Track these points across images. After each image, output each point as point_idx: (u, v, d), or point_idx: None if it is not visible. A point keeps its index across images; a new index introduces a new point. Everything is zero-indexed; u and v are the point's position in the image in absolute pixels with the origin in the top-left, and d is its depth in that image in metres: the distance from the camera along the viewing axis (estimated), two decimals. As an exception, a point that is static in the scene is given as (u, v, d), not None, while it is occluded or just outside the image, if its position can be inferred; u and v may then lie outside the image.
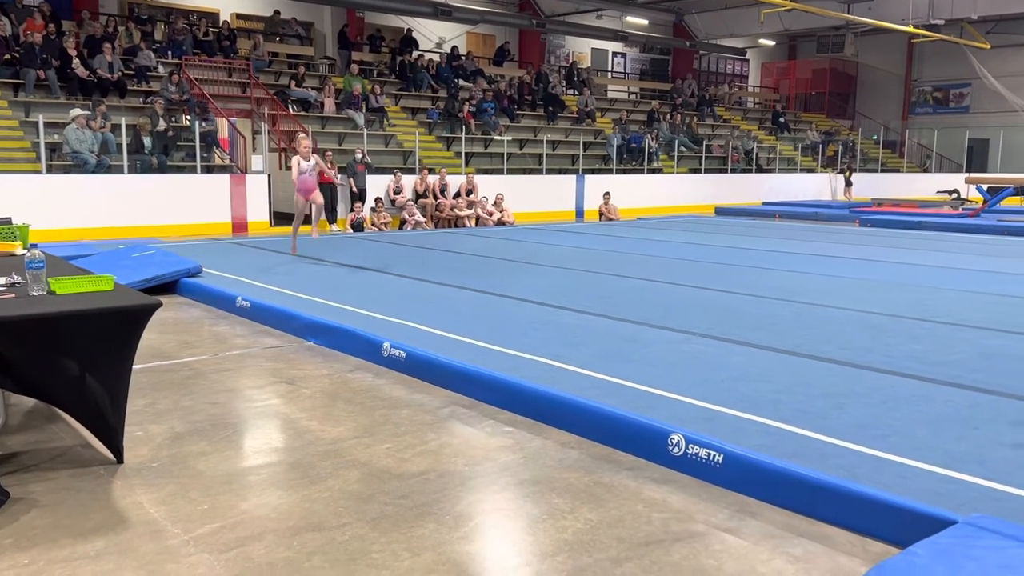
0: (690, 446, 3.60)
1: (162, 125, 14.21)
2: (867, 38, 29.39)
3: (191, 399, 4.66)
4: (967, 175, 21.02)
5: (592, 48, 28.45)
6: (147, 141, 14.06)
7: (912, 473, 3.27)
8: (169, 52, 16.87)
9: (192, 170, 14.32)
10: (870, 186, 25.70)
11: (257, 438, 4.11)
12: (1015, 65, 28.69)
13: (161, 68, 16.23)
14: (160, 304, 3.57)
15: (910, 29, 24.04)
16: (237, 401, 4.68)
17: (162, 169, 13.97)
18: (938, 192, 23.17)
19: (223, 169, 15.08)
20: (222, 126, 16.67)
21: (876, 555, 2.87)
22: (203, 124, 14.66)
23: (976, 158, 28.81)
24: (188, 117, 14.97)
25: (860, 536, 3.02)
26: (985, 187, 19.18)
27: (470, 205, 16.33)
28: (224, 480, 3.51)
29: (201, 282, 8.03)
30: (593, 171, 20.45)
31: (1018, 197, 19.74)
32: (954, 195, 21.16)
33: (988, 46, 27.17)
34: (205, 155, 14.74)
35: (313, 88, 17.94)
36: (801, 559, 2.87)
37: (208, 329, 6.60)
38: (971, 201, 20.76)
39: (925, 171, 29.34)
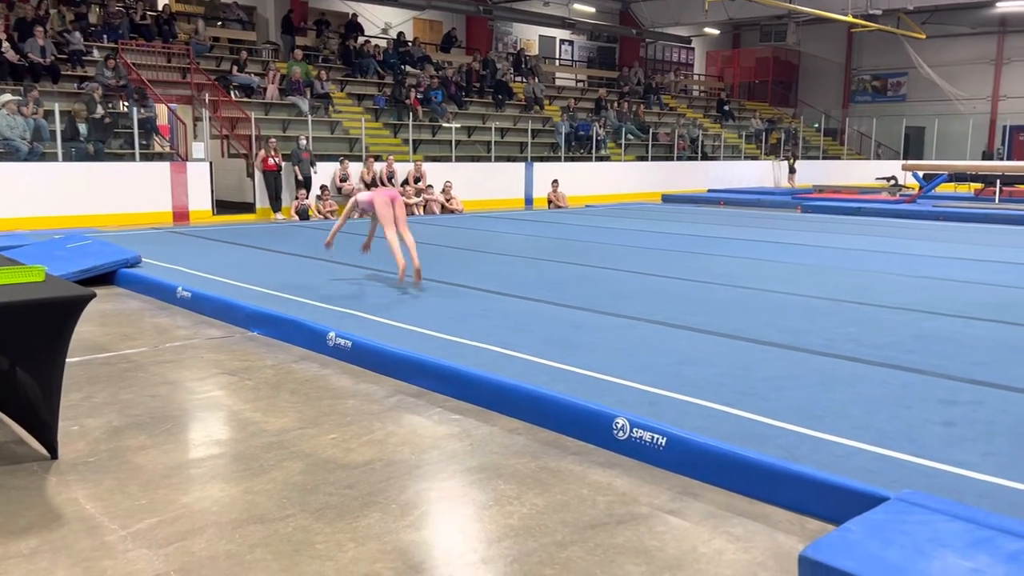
0: (634, 430, 3.64)
1: (100, 112, 13.79)
2: (809, 27, 29.94)
3: (130, 392, 4.55)
4: (904, 162, 21.59)
5: (540, 35, 28.44)
6: (82, 128, 13.62)
7: (848, 452, 3.36)
8: (104, 36, 16.36)
9: (131, 158, 13.94)
10: (812, 173, 26.23)
11: (198, 431, 4.04)
12: (949, 55, 29.53)
13: (96, 52, 15.74)
14: (94, 295, 3.47)
15: (849, 19, 24.56)
16: (178, 393, 4.58)
17: (99, 157, 13.56)
18: (877, 179, 23.77)
19: (163, 157, 14.71)
20: (161, 112, 16.24)
21: (813, 532, 2.94)
22: (141, 110, 14.26)
23: (913, 145, 29.62)
24: (126, 103, 14.55)
25: (798, 515, 3.10)
26: (921, 174, 19.73)
27: (418, 193, 16.22)
28: (164, 474, 3.44)
29: (140, 272, 7.84)
30: (542, 159, 20.48)
31: (952, 183, 20.35)
32: (892, 182, 21.72)
33: (924, 36, 27.89)
34: (144, 142, 14.35)
35: (256, 74, 17.59)
36: (741, 538, 2.93)
37: (148, 320, 6.45)
38: (908, 187, 21.34)
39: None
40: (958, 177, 19.65)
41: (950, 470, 3.20)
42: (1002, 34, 29.11)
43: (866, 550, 2.47)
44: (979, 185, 19.59)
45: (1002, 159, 27.37)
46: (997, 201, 18.02)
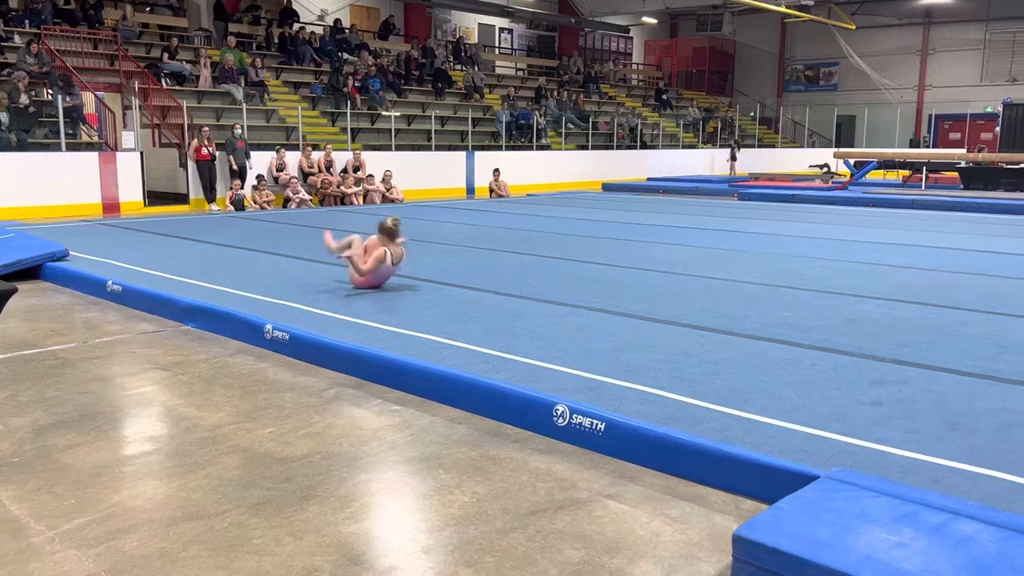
0: (574, 416, 3.67)
1: (24, 100, 13.26)
2: (743, 17, 30.47)
3: (57, 389, 4.41)
4: (836, 150, 22.16)
5: (479, 23, 28.33)
6: (4, 117, 13.09)
7: (780, 433, 3.44)
8: (27, 21, 15.73)
9: (56, 148, 13.46)
10: (748, 161, 26.74)
11: (130, 427, 3.93)
12: (878, 45, 30.39)
13: (18, 39, 15.13)
14: (15, 290, 3.35)
15: (782, 9, 25.07)
16: (108, 390, 4.46)
17: (22, 147, 13.05)
18: (810, 166, 24.35)
19: (91, 147, 14.23)
20: (89, 101, 15.70)
21: (747, 512, 3.01)
22: (67, 99, 13.77)
23: (844, 134, 30.44)
24: (50, 91, 14.03)
25: (733, 495, 3.17)
26: (852, 162, 20.28)
27: (357, 182, 16.03)
28: (93, 473, 3.35)
29: (67, 266, 7.59)
30: (483, 147, 20.42)
31: (881, 171, 20.97)
32: (824, 169, 22.28)
33: (854, 27, 28.64)
34: (70, 132, 13.87)
35: (187, 61, 17.13)
36: (678, 520, 2.99)
37: (76, 315, 6.25)
38: (839, 175, 21.92)
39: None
40: (887, 164, 20.27)
41: (877, 448, 3.30)
42: (927, 25, 30.06)
43: (797, 527, 2.53)
44: (907, 172, 20.23)
45: (928, 147, 28.33)
46: (924, 187, 18.65)
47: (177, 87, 16.25)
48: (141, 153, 14.27)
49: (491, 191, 18.24)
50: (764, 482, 3.10)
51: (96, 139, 14.77)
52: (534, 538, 2.84)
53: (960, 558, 2.34)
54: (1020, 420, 3.62)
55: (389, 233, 6.49)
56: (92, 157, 13.52)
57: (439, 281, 6.97)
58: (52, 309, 6.47)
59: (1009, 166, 17.76)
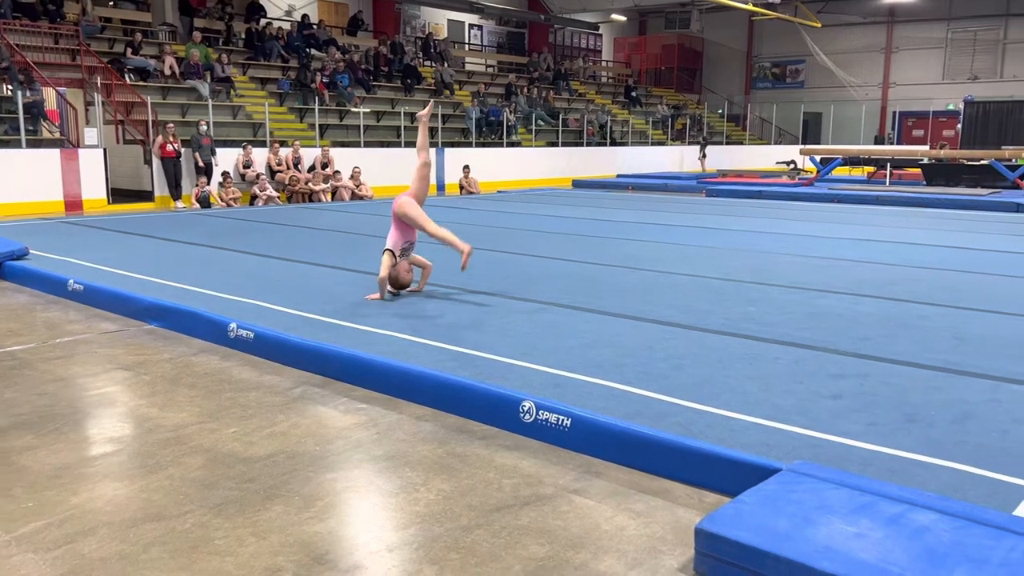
0: (540, 412, 3.68)
1: (-20, 95, 13.01)
2: (711, 15, 30.70)
3: (15, 391, 4.33)
4: (802, 147, 22.43)
5: (448, 20, 28.24)
6: (-38, 113, 12.84)
7: (742, 426, 3.48)
8: (-16, 15, 15.41)
9: (16, 144, 13.20)
10: (716, 158, 26.97)
11: (91, 428, 3.87)
12: (843, 43, 30.78)
13: (-25, 32, 14.81)
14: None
15: (750, 7, 25.29)
16: (69, 390, 4.39)
17: (-19, 143, 12.80)
18: (777, 163, 24.62)
19: (53, 143, 13.98)
20: (50, 96, 15.42)
21: (710, 505, 3.04)
22: (27, 94, 13.51)
23: (810, 130, 30.80)
24: (9, 87, 13.76)
25: (696, 489, 3.20)
26: (818, 158, 20.55)
27: (326, 179, 15.92)
28: (52, 475, 3.29)
29: (27, 265, 7.45)
30: (453, 144, 20.39)
31: (847, 167, 21.26)
32: (791, 166, 22.55)
33: (819, 25, 28.99)
34: (31, 128, 13.62)
35: (151, 56, 16.89)
36: (642, 514, 3.01)
37: (36, 315, 6.14)
38: (806, 171, 22.19)
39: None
40: (852, 161, 20.55)
41: (838, 440, 3.35)
42: (891, 24, 30.51)
43: (758, 520, 2.57)
44: (871, 168, 20.54)
45: (892, 143, 28.77)
46: (888, 184, 18.93)
47: (141, 83, 16.02)
48: (104, 150, 14.05)
49: (461, 188, 18.21)
50: (727, 475, 3.13)
51: (58, 135, 14.51)
52: (499, 534, 2.84)
53: (916, 548, 2.39)
54: (976, 411, 3.69)
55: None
56: (54, 154, 13.28)
57: (407, 278, 6.93)
58: (11, 309, 6.35)
59: (970, 163, 18.09)
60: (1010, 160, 17.08)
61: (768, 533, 2.48)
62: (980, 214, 13.67)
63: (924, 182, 18.70)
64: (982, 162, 17.73)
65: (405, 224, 6.08)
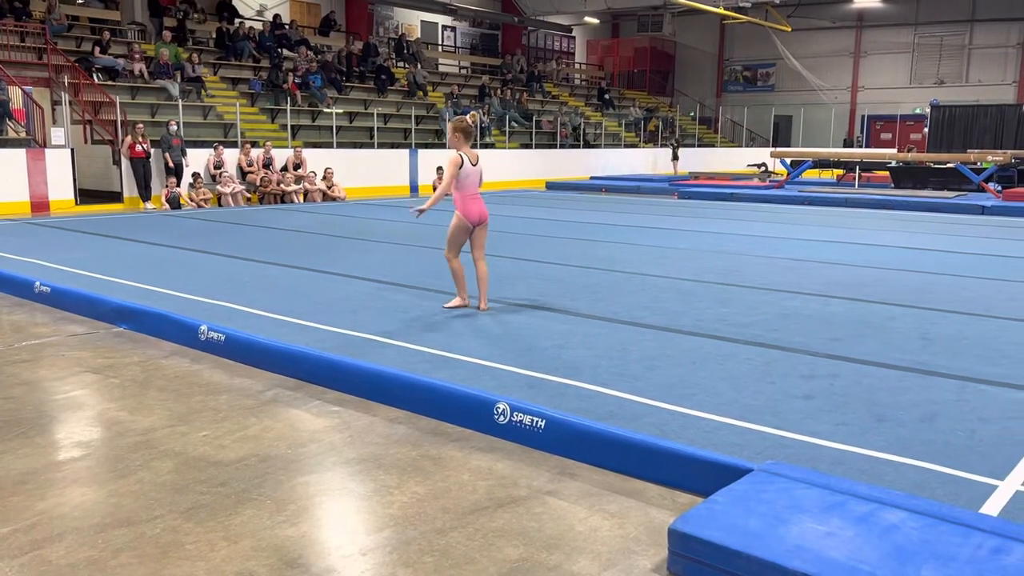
0: (515, 414, 3.68)
1: (-56, 94, 12.74)
2: (683, 18, 30.89)
3: (-20, 395, 4.25)
4: (773, 150, 22.65)
5: (422, 20, 28.15)
6: (-76, 111, 12.57)
7: (715, 427, 3.50)
8: (-52, 12, 15.10)
9: (-19, 144, 12.95)
10: (688, 160, 27.14)
11: (58, 433, 3.81)
12: (813, 47, 31.11)
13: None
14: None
15: (721, 11, 25.48)
16: (35, 394, 4.31)
17: (-56, 143, 12.54)
18: (748, 166, 24.83)
19: (19, 143, 13.72)
20: (15, 96, 15.13)
21: (683, 505, 3.06)
22: (-8, 93, 13.27)
23: (781, 133, 31.10)
24: (-27, 85, 13.50)
25: (670, 489, 3.21)
26: (788, 161, 20.76)
27: (298, 180, 15.80)
28: (18, 480, 3.23)
29: (-7, 267, 7.31)
30: (426, 145, 20.32)
31: (817, 170, 21.50)
32: (762, 168, 22.75)
33: (789, 29, 29.28)
34: (-4, 127, 13.37)
35: (120, 56, 16.65)
36: (616, 515, 3.02)
37: (1, 318, 6.03)
38: (776, 174, 22.41)
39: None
40: (822, 164, 20.80)
41: (809, 440, 3.39)
42: (859, 28, 30.89)
43: (730, 520, 2.59)
44: (840, 171, 20.79)
45: (861, 147, 29.14)
46: (857, 186, 19.18)
47: (110, 82, 15.79)
48: (72, 150, 13.83)
49: (434, 189, 18.14)
50: (700, 476, 3.16)
51: (24, 135, 14.24)
52: (473, 537, 2.84)
53: (885, 545, 2.42)
54: (943, 411, 3.75)
55: (466, 132, 5.77)
56: (19, 154, 13.05)
57: (379, 280, 6.91)
58: (-25, 311, 6.23)
59: (936, 165, 18.39)
60: (975, 163, 17.37)
61: (740, 533, 2.50)
62: (946, 216, 13.90)
63: (892, 185, 18.97)
64: (948, 165, 18.02)
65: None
